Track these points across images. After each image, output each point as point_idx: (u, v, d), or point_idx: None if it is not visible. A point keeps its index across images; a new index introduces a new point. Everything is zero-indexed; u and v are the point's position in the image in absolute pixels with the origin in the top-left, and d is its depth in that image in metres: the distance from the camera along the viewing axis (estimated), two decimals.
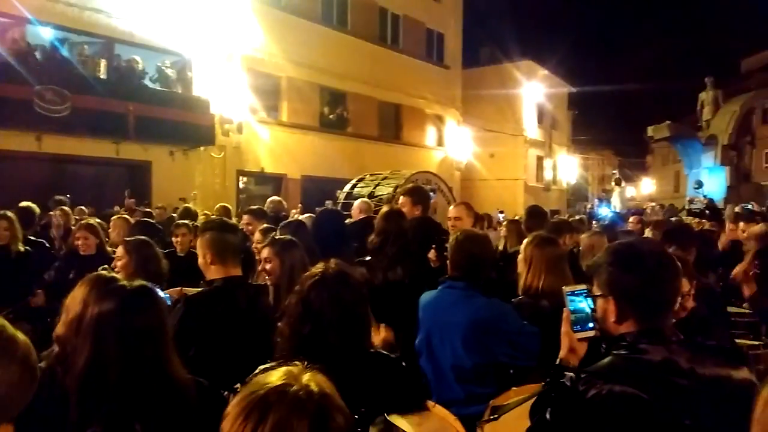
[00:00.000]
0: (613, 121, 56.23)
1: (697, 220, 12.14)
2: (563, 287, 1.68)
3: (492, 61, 27.00)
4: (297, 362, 1.11)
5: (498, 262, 4.64)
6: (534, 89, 28.20)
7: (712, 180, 20.84)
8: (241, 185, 15.71)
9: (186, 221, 5.40)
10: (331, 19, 17.54)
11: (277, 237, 3.27)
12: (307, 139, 16.59)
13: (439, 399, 2.68)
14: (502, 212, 14.32)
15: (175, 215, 7.57)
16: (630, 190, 35.72)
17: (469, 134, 23.93)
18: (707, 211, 13.69)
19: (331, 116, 17.87)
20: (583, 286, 1.66)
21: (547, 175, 31.38)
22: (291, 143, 16.04)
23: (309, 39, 16.28)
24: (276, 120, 16.02)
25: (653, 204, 22.11)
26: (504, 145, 26.65)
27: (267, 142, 15.60)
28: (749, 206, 13.46)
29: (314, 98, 17.12)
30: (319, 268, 2.05)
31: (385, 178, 11.21)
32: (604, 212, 14.26)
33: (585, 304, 1.64)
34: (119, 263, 3.11)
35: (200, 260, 2.76)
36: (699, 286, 3.31)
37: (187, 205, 8.64)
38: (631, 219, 8.34)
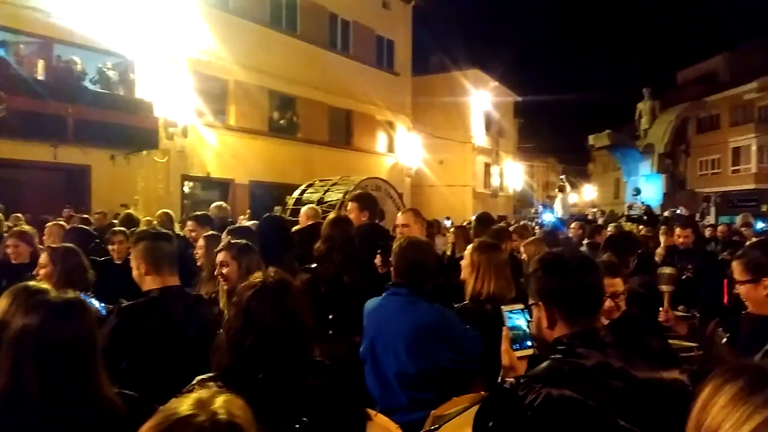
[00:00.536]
0: (557, 129, 58.25)
1: (635, 225, 12.69)
2: (501, 307, 1.73)
3: (441, 69, 27.43)
4: (214, 384, 1.07)
5: (444, 268, 4.71)
6: (481, 98, 28.82)
7: (649, 187, 21.76)
8: (186, 190, 15.31)
9: (122, 228, 5.22)
10: (280, 22, 17.39)
11: (233, 241, 3.22)
12: (255, 143, 16.35)
13: (383, 406, 2.68)
14: (448, 218, 14.50)
15: (116, 221, 7.31)
16: (573, 197, 36.87)
17: (419, 141, 24.19)
18: (645, 217, 14.29)
19: (281, 121, 17.69)
20: (520, 306, 1.72)
21: (495, 181, 32.05)
22: (239, 148, 15.77)
23: (257, 42, 16.08)
24: (223, 124, 15.72)
25: (594, 210, 22.92)
26: (453, 152, 27.06)
27: (214, 147, 15.28)
28: (679, 211, 14.16)
29: (263, 102, 16.91)
30: (258, 277, 2.02)
31: (334, 184, 11.16)
32: (548, 218, 14.68)
33: (523, 322, 1.70)
34: (42, 271, 2.99)
35: (134, 272, 2.67)
36: (634, 290, 3.46)
37: (129, 211, 8.37)
38: (572, 225, 8.61)
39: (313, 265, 3.55)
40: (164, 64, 13.54)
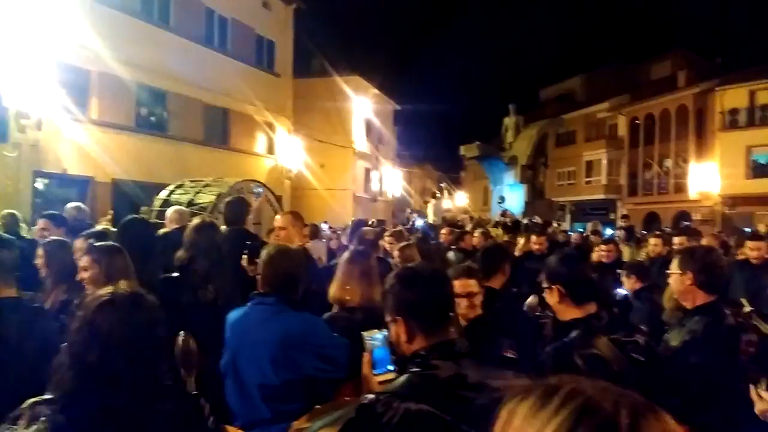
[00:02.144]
0: (433, 138, 60.72)
1: (501, 231, 13.54)
2: (362, 333, 1.76)
3: (322, 73, 27.41)
4: (46, 408, 0.98)
5: (319, 274, 4.70)
6: (362, 104, 29.26)
7: (512, 195, 23.42)
8: (39, 187, 13.86)
9: None
10: (151, 14, 16.38)
11: (96, 243, 2.98)
12: (120, 139, 15.20)
13: (244, 421, 2.61)
14: (326, 222, 14.52)
15: None
16: (447, 203, 38.59)
17: (301, 144, 23.96)
18: (510, 225, 15.32)
19: (150, 117, 16.66)
20: (380, 330, 1.75)
21: (374, 186, 32.65)
22: (101, 143, 14.55)
23: (126, 33, 14.99)
24: (84, 117, 14.45)
25: (465, 216, 24.21)
26: (334, 156, 27.17)
27: (72, 141, 13.97)
28: (534, 219, 15.38)
29: (130, 96, 15.79)
30: (108, 288, 1.88)
31: (207, 185, 10.67)
32: (419, 224, 15.22)
33: (384, 346, 1.73)
34: None
35: None
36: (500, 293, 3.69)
37: None
38: (443, 231, 8.96)
39: (175, 274, 3.37)
40: (17, 52, 12.17)
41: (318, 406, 2.22)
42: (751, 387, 2.39)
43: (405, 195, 35.49)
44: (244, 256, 3.63)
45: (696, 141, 28.56)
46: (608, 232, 12.92)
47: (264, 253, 2.89)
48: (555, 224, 18.30)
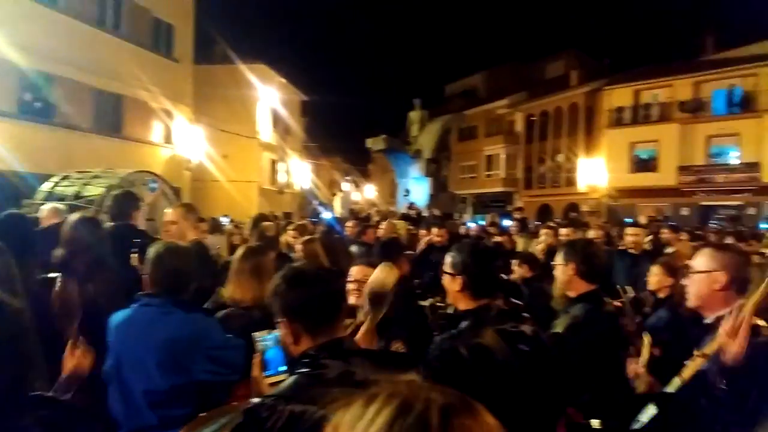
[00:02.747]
0: (342, 130, 60.71)
1: (406, 224, 13.77)
2: (253, 334, 1.71)
3: (226, 60, 26.47)
4: None
5: (219, 271, 4.52)
6: (268, 94, 28.60)
7: (417, 188, 23.91)
8: None
9: None
10: None
11: None
12: (1, 126, 13.89)
13: (128, 429, 2.46)
14: (227, 216, 14.06)
15: None
16: (356, 195, 38.74)
17: (202, 133, 23.01)
18: (416, 217, 15.63)
19: (35, 103, 15.33)
20: (272, 331, 1.71)
21: (281, 178, 32.09)
22: None
23: (8, 12, 13.69)
24: None
25: (376, 209, 24.41)
26: (238, 146, 26.38)
27: None
28: (434, 212, 15.86)
29: (12, 80, 14.45)
30: None
31: (96, 176, 9.94)
32: (325, 216, 15.15)
33: (276, 346, 1.69)
34: None
35: None
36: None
37: None
38: (348, 224, 8.96)
39: (52, 275, 3.10)
40: None
41: (202, 414, 2.12)
42: (629, 363, 2.58)
43: (313, 187, 35.20)
44: (134, 255, 3.42)
45: (585, 137, 30.58)
46: (506, 223, 13.53)
47: (152, 251, 2.73)
48: (457, 216, 18.93)
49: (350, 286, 2.89)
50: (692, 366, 2.25)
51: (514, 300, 4.73)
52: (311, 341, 1.58)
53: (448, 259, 2.43)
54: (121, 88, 18.23)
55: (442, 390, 0.75)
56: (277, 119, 30.90)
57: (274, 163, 31.41)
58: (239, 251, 3.24)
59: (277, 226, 6.91)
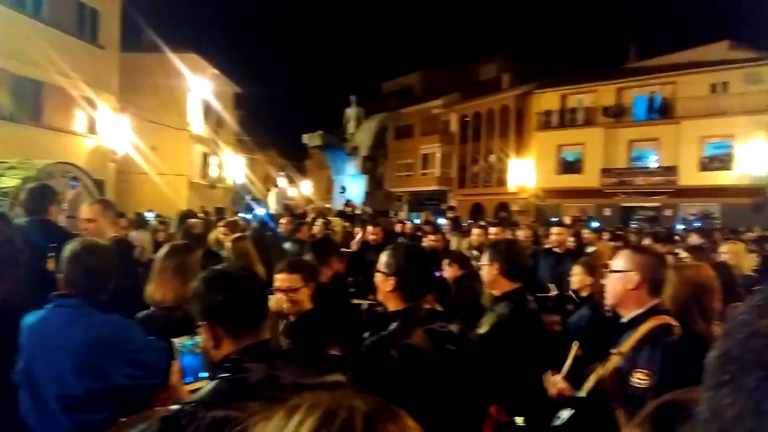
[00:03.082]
0: (277, 124, 59.73)
1: (344, 221, 13.75)
2: (172, 339, 1.65)
3: (155, 49, 25.43)
4: None
5: (138, 269, 4.34)
6: (200, 85, 27.73)
7: (354, 186, 23.88)
8: None
9: None
10: None
11: None
12: None
13: None
14: (152, 211, 13.52)
15: None
16: (292, 191, 38.21)
17: (128, 123, 22.00)
18: (353, 215, 15.62)
19: None
20: (192, 337, 1.65)
21: (213, 172, 31.22)
22: None
23: None
24: None
25: (312, 206, 24.18)
26: (167, 138, 25.46)
27: None
28: (366, 209, 15.95)
29: None
30: None
31: (11, 167, 9.31)
32: (259, 213, 14.88)
33: (194, 353, 1.64)
34: None
35: None
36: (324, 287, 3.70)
37: None
38: (282, 220, 8.81)
39: None
40: None
41: (123, 419, 2.04)
42: (546, 375, 2.67)
43: (247, 182, 34.43)
44: (51, 259, 3.22)
45: (516, 139, 31.58)
46: (441, 221, 13.76)
47: (68, 249, 2.58)
48: (392, 214, 19.07)
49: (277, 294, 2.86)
50: (608, 364, 2.37)
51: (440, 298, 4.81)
52: (233, 345, 1.55)
53: (383, 258, 2.44)
54: (41, 75, 17.19)
55: (365, 397, 0.76)
56: (209, 111, 30.02)
57: (205, 156, 30.54)
58: (163, 249, 3.12)
59: (207, 223, 6.72)
